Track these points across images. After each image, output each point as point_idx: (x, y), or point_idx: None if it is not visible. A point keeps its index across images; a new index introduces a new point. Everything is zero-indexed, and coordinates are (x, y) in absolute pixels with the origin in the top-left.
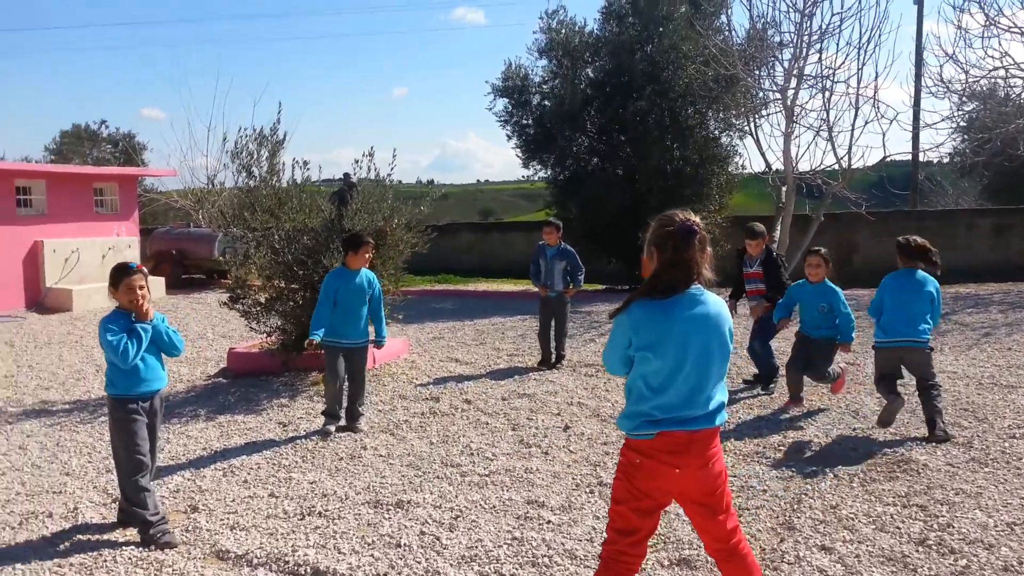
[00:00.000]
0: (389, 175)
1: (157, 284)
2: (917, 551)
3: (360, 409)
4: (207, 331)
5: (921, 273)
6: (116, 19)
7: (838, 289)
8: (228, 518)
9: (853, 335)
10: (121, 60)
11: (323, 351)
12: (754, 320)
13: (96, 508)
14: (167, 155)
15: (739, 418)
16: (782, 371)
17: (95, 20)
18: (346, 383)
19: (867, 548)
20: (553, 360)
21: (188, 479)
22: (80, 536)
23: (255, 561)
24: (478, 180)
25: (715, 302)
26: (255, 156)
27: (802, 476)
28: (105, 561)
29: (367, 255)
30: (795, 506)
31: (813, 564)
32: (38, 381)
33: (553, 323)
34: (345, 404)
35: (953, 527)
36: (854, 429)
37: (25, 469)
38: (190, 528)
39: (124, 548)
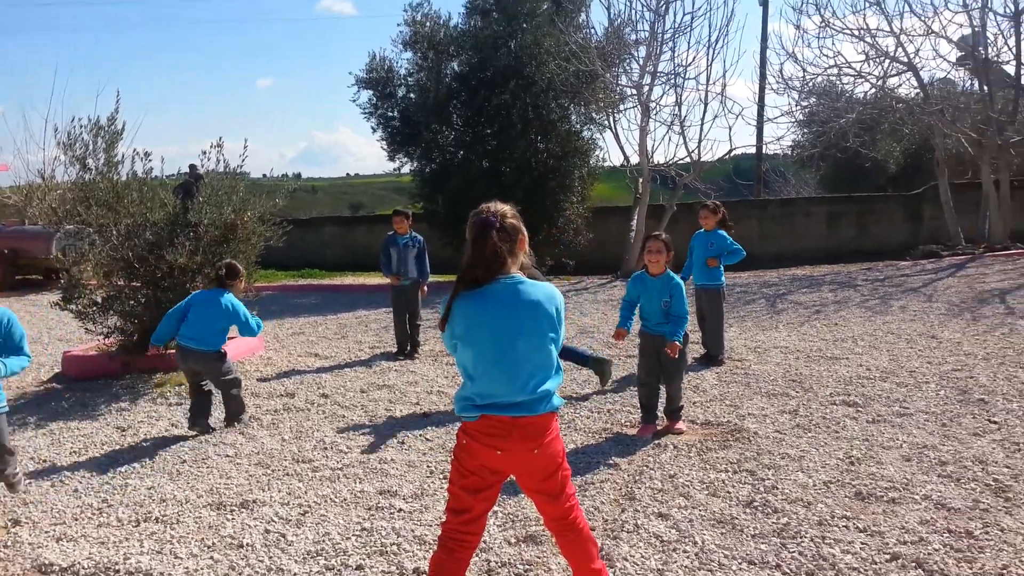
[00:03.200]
0: (240, 167)
1: None
2: (744, 512)
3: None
4: (42, 335)
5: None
6: None
7: (680, 281)
8: (54, 530)
9: (680, 335)
10: None
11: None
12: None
13: None
14: (0, 148)
15: (589, 398)
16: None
17: None
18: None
19: (700, 512)
20: (408, 349)
21: (10, 493)
22: None
23: (82, 572)
24: (348, 173)
25: (533, 289)
26: (90, 147)
27: (644, 449)
28: None
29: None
30: (637, 478)
31: (650, 531)
32: None
33: (408, 313)
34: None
35: (777, 488)
36: (693, 403)
37: None
38: (9, 543)
39: None
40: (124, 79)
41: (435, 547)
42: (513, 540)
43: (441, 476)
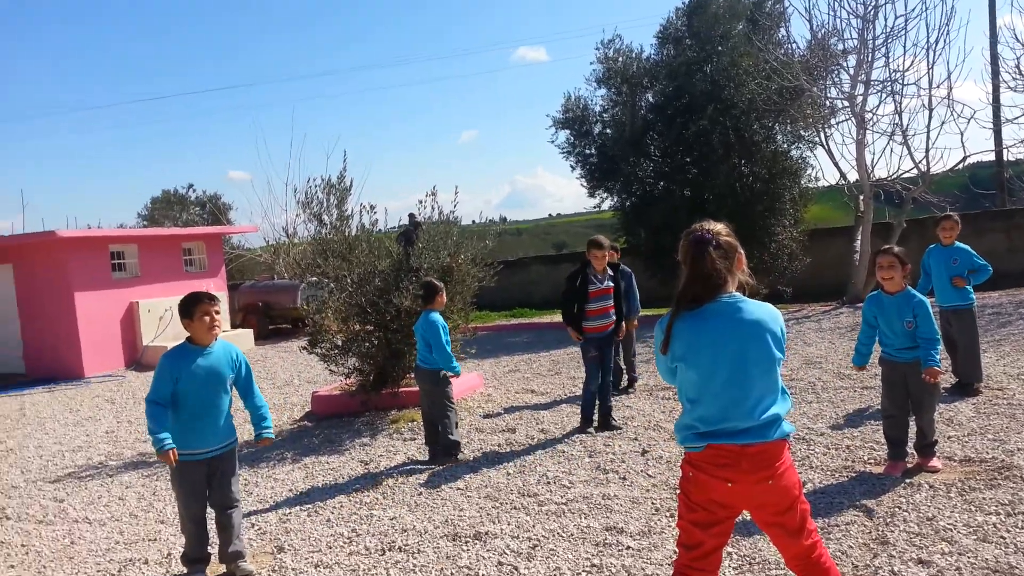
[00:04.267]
0: (452, 212)
1: (246, 336)
2: None
3: (237, 544)
4: (293, 378)
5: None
6: (198, 87)
7: (924, 299)
8: (312, 556)
9: (937, 358)
10: (208, 124)
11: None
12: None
13: None
14: (250, 213)
15: (824, 433)
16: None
17: (176, 89)
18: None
19: (969, 560)
20: (625, 384)
21: (274, 521)
22: None
23: None
24: (549, 214)
25: (756, 308)
26: (324, 204)
27: (894, 489)
28: None
29: (207, 318)
30: (888, 520)
31: None
32: (136, 435)
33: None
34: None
35: None
36: (948, 438)
37: (124, 519)
38: (276, 568)
39: None
40: (346, 141)
41: None
42: None
43: (667, 513)
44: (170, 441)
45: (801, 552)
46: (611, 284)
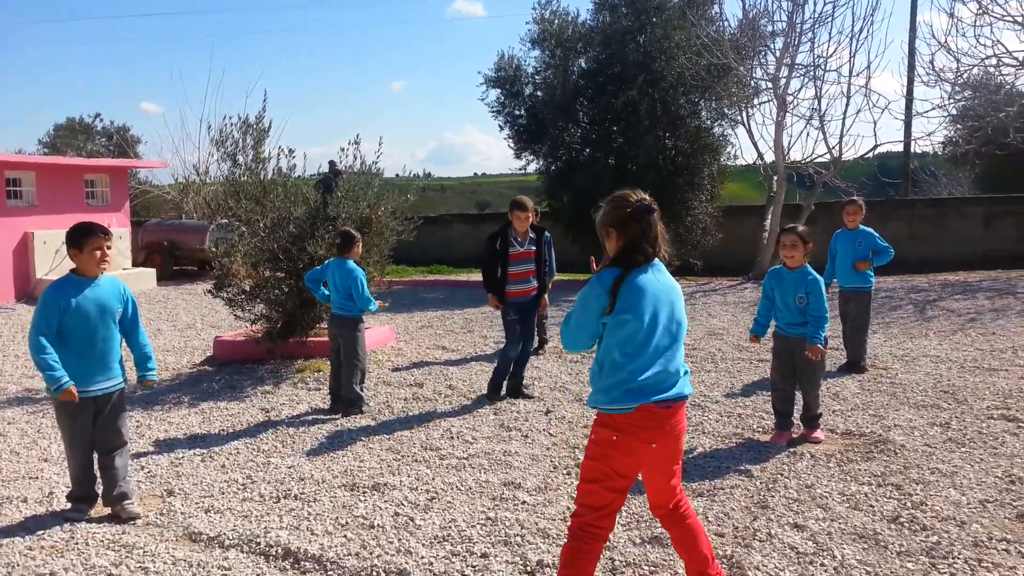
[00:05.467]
0: (375, 163)
1: (148, 275)
2: (889, 528)
3: (123, 486)
4: (196, 321)
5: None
6: (117, 11)
7: (819, 277)
8: (203, 501)
9: (822, 336)
10: (121, 54)
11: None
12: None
13: None
14: (160, 148)
15: (719, 401)
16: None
17: (95, 13)
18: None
19: (839, 526)
20: (535, 345)
21: (165, 464)
22: (53, 520)
23: (227, 543)
24: (475, 173)
25: (670, 276)
26: (240, 144)
27: (778, 457)
28: (77, 543)
29: (99, 252)
30: (770, 486)
31: (785, 541)
32: (23, 370)
33: None
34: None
35: (927, 505)
36: (833, 411)
37: (3, 455)
38: (164, 511)
39: (96, 531)
40: (269, 80)
41: (559, 541)
42: (638, 540)
43: (564, 471)
44: (68, 378)
45: (674, 497)
46: (533, 248)
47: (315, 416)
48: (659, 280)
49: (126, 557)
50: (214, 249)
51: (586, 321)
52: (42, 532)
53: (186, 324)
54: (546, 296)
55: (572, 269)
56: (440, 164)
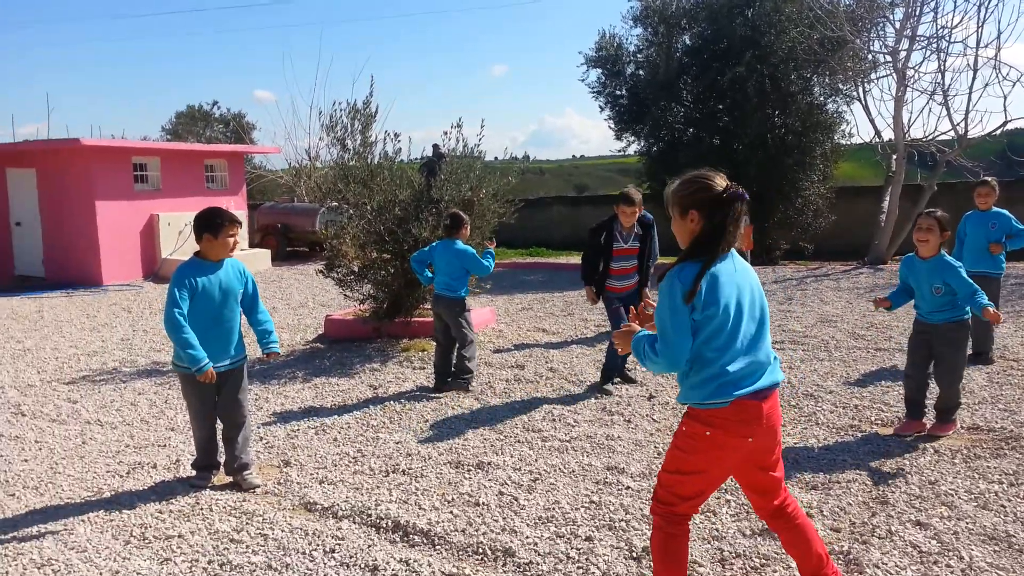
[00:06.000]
0: (477, 146)
1: (263, 256)
2: (1023, 530)
3: (243, 457)
4: (308, 300)
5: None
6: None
7: (958, 264)
8: (318, 473)
9: (984, 300)
10: (235, 42)
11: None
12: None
13: None
14: (273, 134)
15: (833, 391)
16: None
17: (208, 4)
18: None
19: (966, 525)
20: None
21: (282, 436)
22: (180, 486)
23: (340, 513)
24: (574, 156)
25: (743, 260)
26: (349, 129)
27: (899, 451)
28: (201, 509)
29: (231, 239)
30: (890, 481)
31: (906, 539)
32: (151, 344)
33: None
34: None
35: None
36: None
37: (135, 424)
38: (282, 481)
39: (219, 498)
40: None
41: None
42: (748, 532)
43: None
44: (208, 360)
45: (777, 497)
46: (638, 244)
47: (421, 394)
48: (736, 266)
49: (247, 524)
50: (324, 231)
51: (681, 328)
52: (170, 497)
53: (299, 303)
54: (647, 289)
55: (673, 252)
56: (539, 147)
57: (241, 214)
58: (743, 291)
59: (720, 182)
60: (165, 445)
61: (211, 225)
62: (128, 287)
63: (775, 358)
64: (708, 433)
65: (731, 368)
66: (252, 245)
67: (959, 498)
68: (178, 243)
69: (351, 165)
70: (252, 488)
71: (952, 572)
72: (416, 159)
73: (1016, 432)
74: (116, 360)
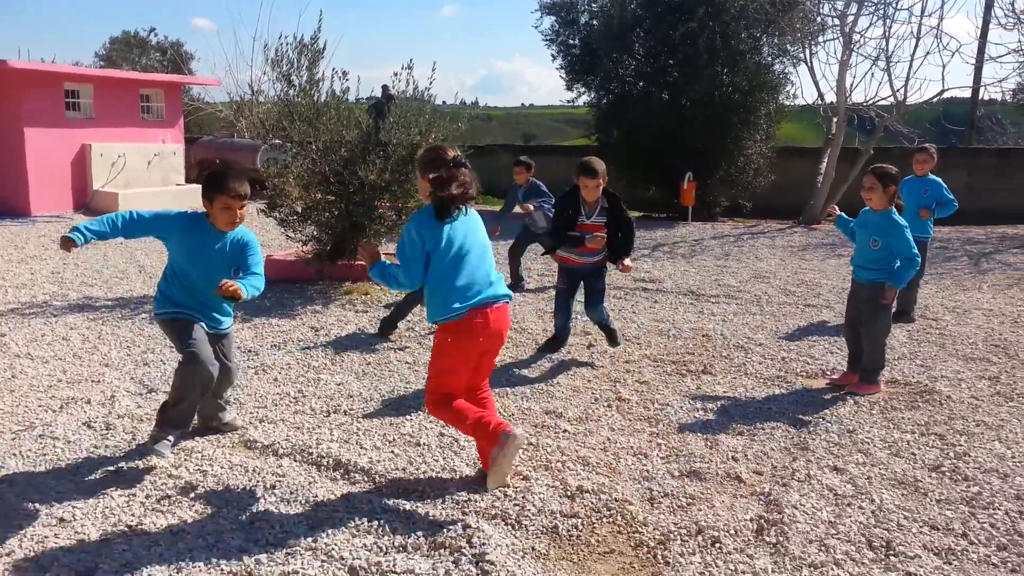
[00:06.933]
0: (427, 89)
1: (199, 192)
2: (930, 476)
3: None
4: None
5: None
6: None
7: (905, 225)
8: (258, 412)
9: (905, 283)
10: None
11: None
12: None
13: (132, 397)
14: (213, 65)
15: (762, 344)
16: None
17: None
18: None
19: (879, 471)
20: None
21: None
22: (116, 422)
23: (280, 451)
24: (523, 104)
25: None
26: (295, 64)
27: (822, 401)
28: (140, 445)
29: (228, 212)
30: (811, 429)
31: (823, 482)
32: (83, 278)
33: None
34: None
35: (969, 456)
36: None
37: (67, 359)
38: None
39: None
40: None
41: (598, 469)
42: (676, 473)
43: (605, 403)
44: (81, 237)
45: (482, 387)
46: (603, 220)
47: (363, 337)
48: (466, 212)
49: (185, 460)
50: (266, 169)
51: (417, 258)
52: (106, 432)
53: None
54: (628, 261)
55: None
56: (488, 93)
57: (178, 147)
58: (468, 232)
59: (451, 152)
60: (99, 381)
61: (214, 186)
62: (58, 219)
63: (496, 279)
64: (450, 340)
65: (458, 285)
66: (189, 180)
67: (874, 446)
68: (111, 175)
69: (296, 102)
70: (235, 428)
71: (864, 513)
72: (364, 99)
73: (930, 386)
74: (46, 293)
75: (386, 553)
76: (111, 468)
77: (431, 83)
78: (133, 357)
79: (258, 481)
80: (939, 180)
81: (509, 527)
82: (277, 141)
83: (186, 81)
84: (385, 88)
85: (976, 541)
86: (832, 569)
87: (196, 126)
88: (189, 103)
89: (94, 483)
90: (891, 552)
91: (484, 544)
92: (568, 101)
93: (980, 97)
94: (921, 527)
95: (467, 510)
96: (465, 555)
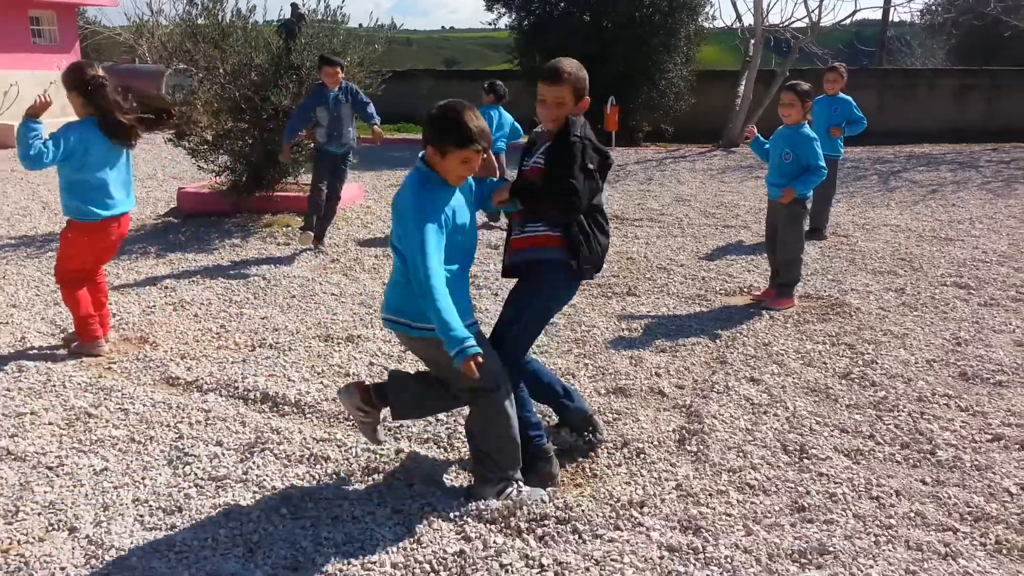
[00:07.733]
0: (340, 9)
1: None
2: (840, 383)
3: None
4: (156, 171)
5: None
6: None
7: (814, 137)
8: (179, 348)
9: (809, 191)
10: None
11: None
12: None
13: (44, 338)
14: None
15: (684, 265)
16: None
17: None
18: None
19: (793, 380)
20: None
21: (137, 313)
22: (28, 363)
23: (205, 387)
24: (443, 27)
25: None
26: None
27: (739, 317)
28: (54, 386)
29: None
30: (729, 343)
31: (741, 393)
32: None
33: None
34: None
35: (877, 363)
36: None
37: None
38: (140, 357)
39: (72, 375)
40: None
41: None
42: (603, 391)
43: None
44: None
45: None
46: (541, 162)
47: (287, 270)
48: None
49: (104, 399)
50: (172, 96)
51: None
52: (19, 375)
53: (146, 175)
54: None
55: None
56: (405, 15)
57: None
58: (109, 146)
59: (90, 72)
60: (8, 323)
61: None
62: None
63: (129, 197)
64: (86, 238)
65: (103, 203)
66: None
67: (788, 357)
68: (3, 105)
69: (200, 23)
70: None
71: (778, 419)
72: (273, 20)
73: (841, 299)
74: None
75: (318, 481)
76: (25, 411)
77: (343, 2)
78: (42, 297)
79: (183, 417)
80: (849, 99)
81: (441, 450)
82: (182, 66)
83: (80, 2)
84: (295, 7)
85: (882, 441)
86: (750, 473)
87: (94, 51)
88: (84, 26)
89: (9, 428)
90: (804, 455)
91: (417, 467)
92: (489, 23)
93: (890, 19)
94: (832, 431)
95: (399, 435)
96: (399, 479)
